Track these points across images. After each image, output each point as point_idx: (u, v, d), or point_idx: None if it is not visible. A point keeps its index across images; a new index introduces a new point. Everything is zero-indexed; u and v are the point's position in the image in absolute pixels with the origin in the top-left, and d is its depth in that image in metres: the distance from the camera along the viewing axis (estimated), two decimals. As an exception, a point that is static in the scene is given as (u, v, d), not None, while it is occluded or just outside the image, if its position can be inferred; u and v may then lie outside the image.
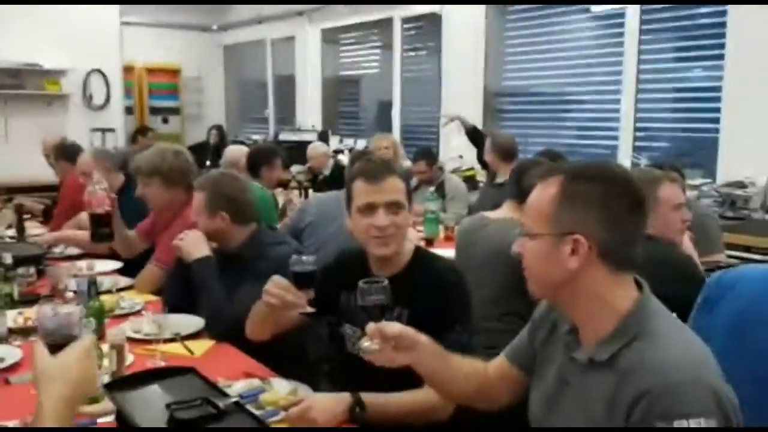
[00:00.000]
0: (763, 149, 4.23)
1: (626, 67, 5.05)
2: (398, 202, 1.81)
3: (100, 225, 2.73)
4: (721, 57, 4.50)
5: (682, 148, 5.00)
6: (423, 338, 1.48)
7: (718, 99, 4.55)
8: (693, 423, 1.08)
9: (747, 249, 3.67)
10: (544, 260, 1.28)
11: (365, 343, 1.43)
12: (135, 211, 3.31)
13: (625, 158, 4.99)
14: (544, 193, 1.29)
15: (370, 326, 1.43)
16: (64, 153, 4.41)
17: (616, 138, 5.18)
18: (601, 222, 1.23)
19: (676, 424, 1.09)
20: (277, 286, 1.76)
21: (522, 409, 1.48)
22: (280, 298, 1.75)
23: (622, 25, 5.11)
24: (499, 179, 4.56)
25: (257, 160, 4.28)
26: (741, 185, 4.31)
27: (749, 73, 4.27)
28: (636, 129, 5.06)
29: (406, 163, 5.23)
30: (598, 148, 5.42)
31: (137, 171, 2.94)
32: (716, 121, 4.56)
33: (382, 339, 1.43)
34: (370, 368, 1.84)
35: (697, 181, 4.51)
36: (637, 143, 5.05)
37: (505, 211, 2.69)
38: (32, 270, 2.72)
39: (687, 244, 2.52)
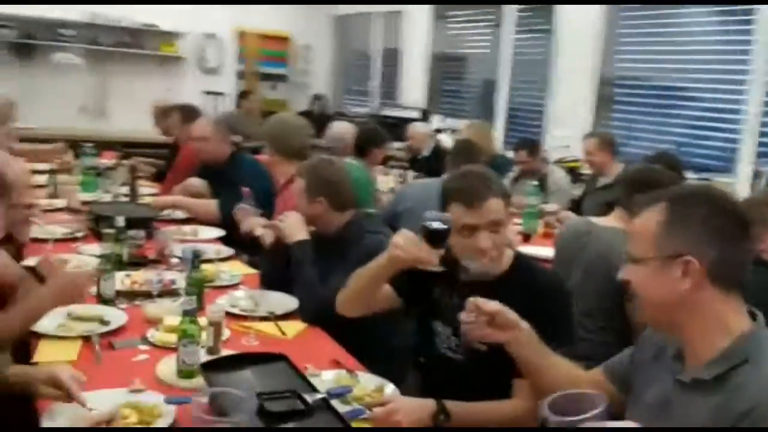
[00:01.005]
0: None
1: (756, 60, 4.65)
2: (499, 221, 1.76)
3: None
4: None
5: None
6: (524, 323, 1.54)
7: None
8: None
9: None
10: (653, 285, 1.29)
11: (463, 316, 1.50)
12: (244, 177, 3.44)
13: (747, 164, 4.64)
14: (649, 218, 1.31)
15: (470, 300, 1.51)
16: (188, 115, 4.45)
17: (735, 141, 4.82)
18: (709, 241, 1.25)
19: None
20: (408, 238, 1.70)
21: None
22: (411, 251, 1.67)
23: (750, 21, 4.71)
24: (607, 179, 4.39)
25: (365, 143, 4.31)
26: None
27: None
28: (762, 133, 4.67)
29: (507, 153, 5.11)
30: (715, 149, 5.07)
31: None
32: None
33: (479, 314, 1.51)
34: (458, 370, 1.84)
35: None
36: (762, 149, 4.66)
37: (613, 220, 2.57)
38: (142, 233, 2.86)
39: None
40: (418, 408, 1.65)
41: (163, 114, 4.89)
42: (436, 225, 1.66)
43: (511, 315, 1.53)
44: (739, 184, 4.52)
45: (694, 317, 1.27)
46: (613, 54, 5.87)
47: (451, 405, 1.67)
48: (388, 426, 1.60)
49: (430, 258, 1.66)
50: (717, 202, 1.29)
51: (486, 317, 1.51)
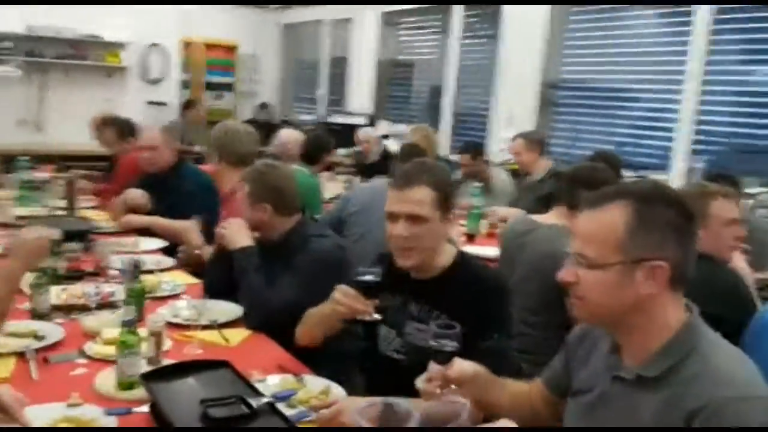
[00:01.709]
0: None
1: (690, 65, 4.84)
2: (418, 215, 1.76)
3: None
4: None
5: (741, 153, 4.79)
6: (479, 369, 1.49)
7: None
8: None
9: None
10: (610, 289, 1.24)
11: (421, 384, 1.43)
12: (192, 189, 3.44)
13: (681, 161, 4.81)
14: (610, 219, 1.24)
15: (434, 368, 1.43)
16: (129, 131, 4.46)
17: (670, 139, 4.99)
18: (678, 245, 1.23)
19: None
20: (346, 294, 1.79)
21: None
22: (349, 306, 1.77)
23: (688, 23, 4.90)
24: (537, 176, 4.50)
25: (314, 150, 4.31)
26: (803, 196, 4.13)
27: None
28: (696, 131, 4.86)
29: (453, 157, 5.17)
30: (652, 148, 5.24)
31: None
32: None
33: (444, 382, 1.44)
34: (403, 370, 1.84)
35: (755, 190, 4.32)
36: (695, 146, 4.85)
37: (554, 216, 2.62)
38: (79, 246, 2.78)
39: (738, 263, 2.42)
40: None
41: (102, 125, 4.79)
42: (367, 278, 1.77)
43: (469, 371, 1.47)
44: (674, 180, 4.68)
45: (643, 317, 1.25)
46: (559, 58, 6.01)
47: (398, 402, 1.67)
48: (334, 426, 1.59)
49: (367, 309, 1.77)
50: (677, 201, 1.26)
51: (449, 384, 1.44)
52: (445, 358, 1.43)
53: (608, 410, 1.30)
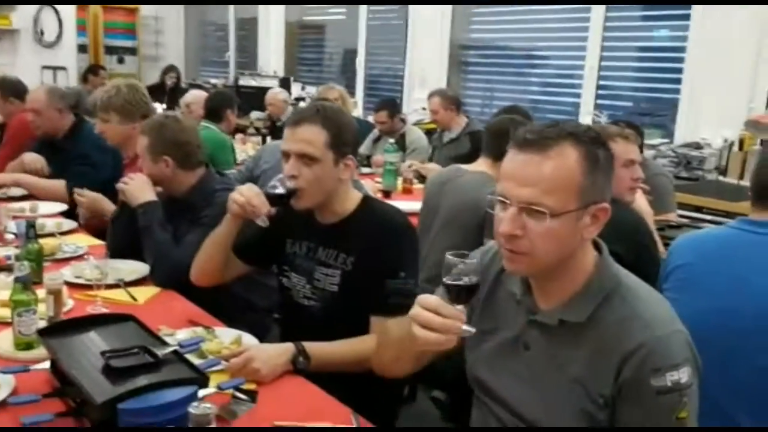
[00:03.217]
0: (721, 112, 4.26)
1: (592, 24, 5.01)
2: (307, 154, 1.72)
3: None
4: (686, 17, 4.49)
5: (642, 107, 5.02)
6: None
7: (681, 60, 4.57)
8: (681, 373, 1.13)
9: (698, 209, 3.72)
10: (562, 239, 1.17)
11: (464, 327, 1.17)
12: (87, 151, 3.25)
13: (586, 115, 4.99)
14: (565, 164, 1.15)
15: (461, 309, 1.19)
16: (11, 91, 4.15)
17: (578, 96, 5.17)
18: (609, 186, 1.22)
19: (668, 376, 1.13)
20: (249, 188, 1.79)
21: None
22: (248, 198, 1.76)
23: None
24: (453, 134, 4.57)
25: (217, 105, 4.25)
26: (697, 146, 4.36)
27: (713, 35, 4.27)
28: (599, 87, 5.05)
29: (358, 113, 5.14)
30: (561, 105, 5.41)
31: (93, 107, 2.88)
32: (678, 81, 4.58)
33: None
34: (314, 317, 1.84)
35: (656, 141, 4.54)
36: (599, 101, 5.04)
37: (481, 165, 2.65)
38: (-30, 211, 2.61)
39: (641, 203, 2.52)
40: (275, 354, 1.63)
41: None
42: (278, 191, 1.74)
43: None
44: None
45: (570, 261, 1.21)
46: (467, 18, 6.06)
47: (310, 345, 1.66)
48: (246, 375, 1.56)
49: (261, 208, 1.76)
50: (605, 141, 1.23)
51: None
52: (462, 295, 1.20)
53: (531, 355, 1.26)
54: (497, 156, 2.46)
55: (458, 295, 1.19)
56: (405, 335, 1.25)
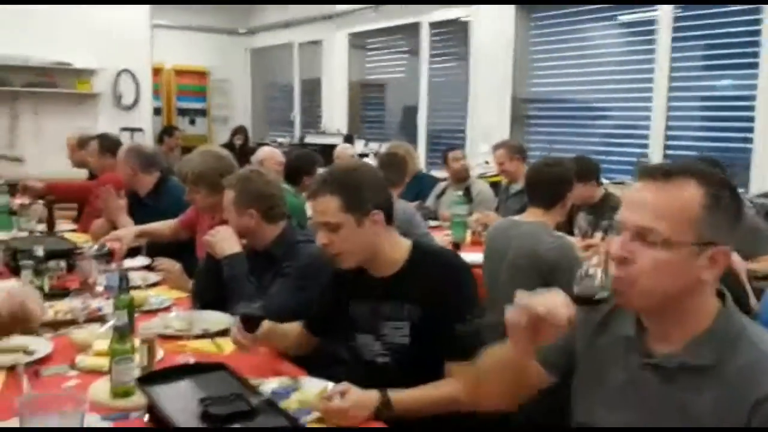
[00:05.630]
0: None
1: (657, 74, 4.99)
2: (328, 223, 1.80)
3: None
4: (754, 66, 4.45)
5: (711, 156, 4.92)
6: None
7: (750, 108, 4.50)
8: None
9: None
10: (673, 271, 1.14)
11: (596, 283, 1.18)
12: (173, 205, 3.39)
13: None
14: (685, 195, 1.14)
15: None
16: (108, 147, 4.26)
17: (645, 146, 5.11)
18: (735, 232, 1.18)
19: None
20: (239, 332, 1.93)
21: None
22: (234, 340, 1.94)
23: (651, 32, 5.06)
24: (519, 185, 4.57)
25: (297, 168, 4.18)
26: (775, 196, 4.23)
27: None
28: (666, 138, 4.99)
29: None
30: (627, 156, 5.36)
31: (184, 178, 2.97)
32: (748, 130, 4.50)
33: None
34: (390, 371, 1.84)
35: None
36: (668, 152, 4.97)
37: (531, 216, 2.69)
38: (62, 264, 2.75)
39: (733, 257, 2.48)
40: (364, 396, 1.64)
41: (79, 145, 4.72)
42: (245, 311, 1.96)
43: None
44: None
45: (690, 303, 1.18)
46: (529, 72, 6.13)
47: (394, 394, 1.67)
48: (338, 414, 1.57)
49: (245, 343, 1.93)
50: (734, 187, 1.19)
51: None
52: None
53: (645, 399, 1.22)
54: (545, 205, 2.62)
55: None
56: (496, 366, 1.30)
